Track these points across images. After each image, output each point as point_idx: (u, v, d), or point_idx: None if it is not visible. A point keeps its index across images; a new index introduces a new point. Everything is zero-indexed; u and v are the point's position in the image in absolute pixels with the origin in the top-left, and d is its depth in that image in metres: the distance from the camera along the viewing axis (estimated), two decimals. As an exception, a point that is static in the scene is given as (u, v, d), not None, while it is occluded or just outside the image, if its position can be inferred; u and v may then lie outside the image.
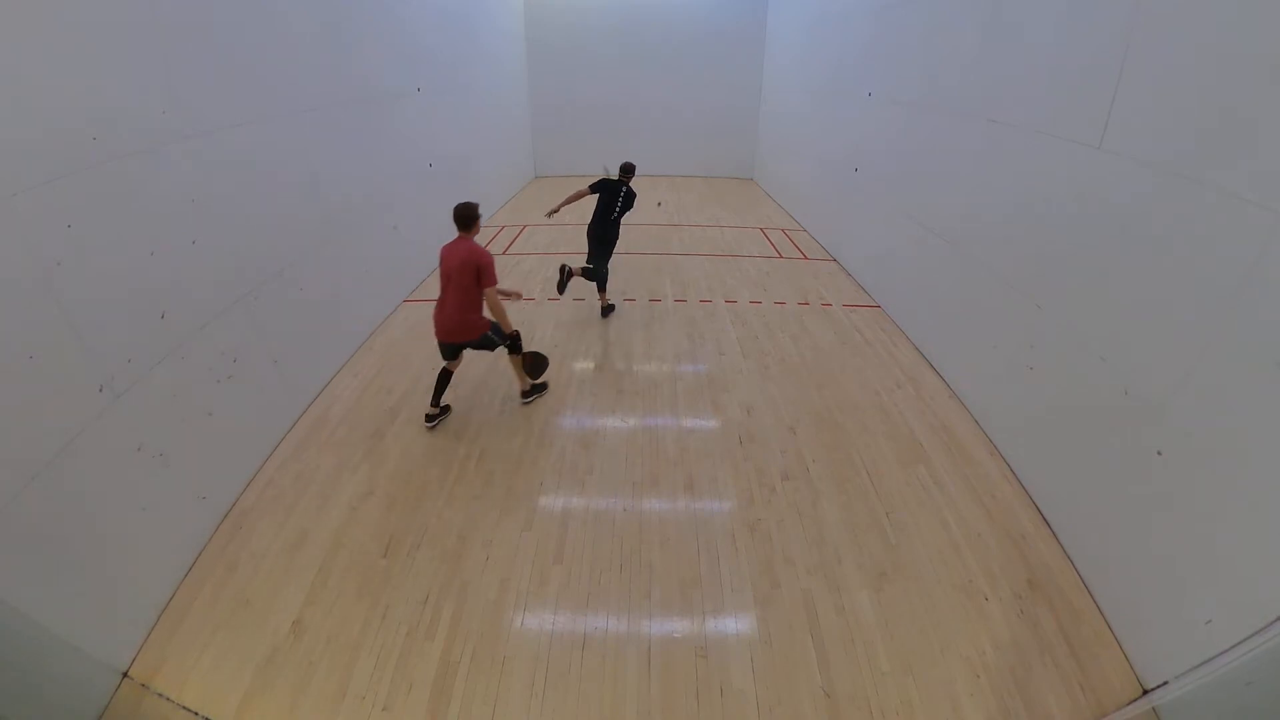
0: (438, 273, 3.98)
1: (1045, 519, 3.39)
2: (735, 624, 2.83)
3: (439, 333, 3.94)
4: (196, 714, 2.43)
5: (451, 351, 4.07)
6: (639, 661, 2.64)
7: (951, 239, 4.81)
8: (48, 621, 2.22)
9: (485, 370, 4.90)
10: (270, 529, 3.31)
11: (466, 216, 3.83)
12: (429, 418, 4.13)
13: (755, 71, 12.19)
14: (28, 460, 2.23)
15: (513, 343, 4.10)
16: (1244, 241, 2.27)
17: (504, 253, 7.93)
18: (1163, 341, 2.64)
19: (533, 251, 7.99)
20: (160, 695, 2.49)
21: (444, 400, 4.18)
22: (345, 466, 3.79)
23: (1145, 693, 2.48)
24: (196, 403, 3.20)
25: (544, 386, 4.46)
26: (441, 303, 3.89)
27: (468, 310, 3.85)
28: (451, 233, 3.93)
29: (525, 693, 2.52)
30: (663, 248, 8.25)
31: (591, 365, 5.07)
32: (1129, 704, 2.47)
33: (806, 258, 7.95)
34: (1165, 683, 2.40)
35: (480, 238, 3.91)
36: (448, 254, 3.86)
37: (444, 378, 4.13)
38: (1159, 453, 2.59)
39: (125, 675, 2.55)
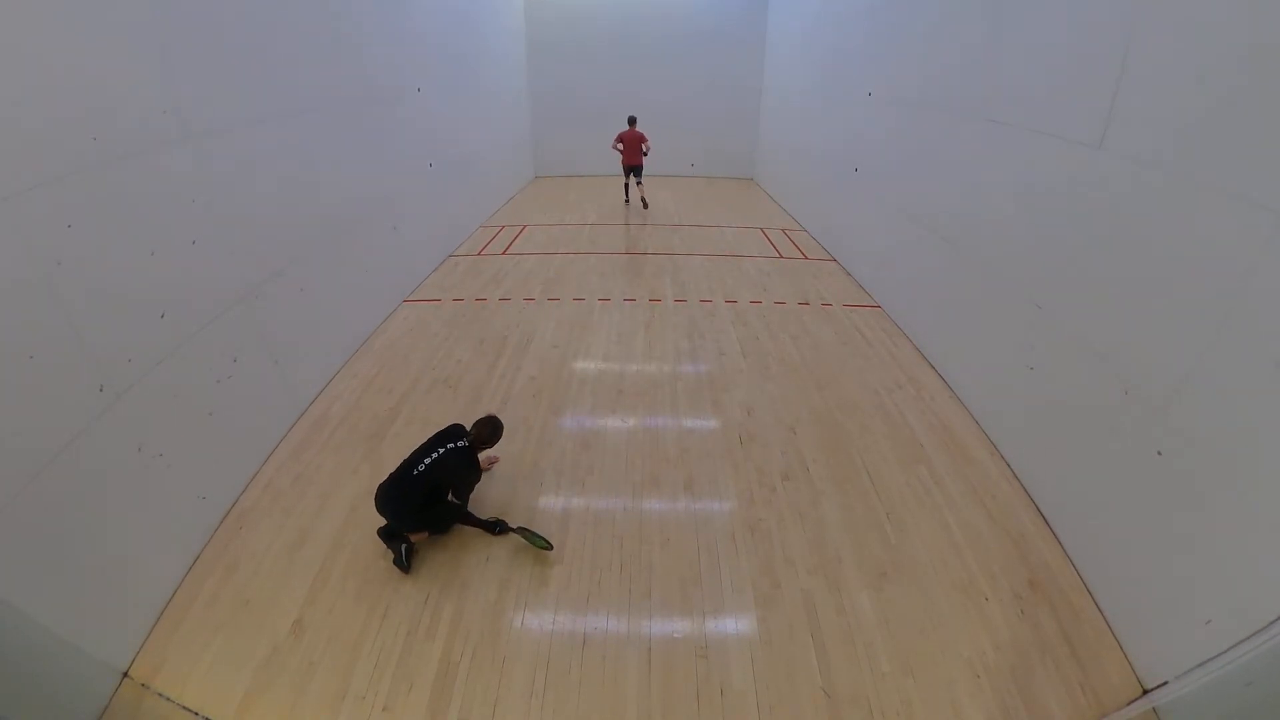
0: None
1: (1045, 519, 3.39)
2: (735, 624, 2.83)
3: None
4: (196, 714, 2.44)
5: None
6: (639, 662, 2.65)
7: (951, 239, 4.81)
8: (48, 621, 2.23)
9: (484, 372, 4.90)
10: (270, 529, 3.31)
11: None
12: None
13: (755, 72, 12.18)
14: (28, 460, 2.23)
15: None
16: (1244, 241, 2.27)
17: (504, 253, 7.94)
18: (1163, 341, 2.64)
19: (533, 251, 7.99)
20: (160, 695, 2.49)
21: None
22: (345, 467, 3.79)
23: (1145, 693, 2.48)
24: (196, 403, 3.20)
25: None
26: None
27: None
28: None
29: (525, 693, 2.52)
30: (663, 248, 8.25)
31: (592, 365, 5.07)
32: (1129, 704, 2.47)
33: (806, 258, 7.95)
34: (1165, 683, 2.40)
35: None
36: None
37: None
38: (1159, 453, 2.59)
39: (125, 675, 2.55)
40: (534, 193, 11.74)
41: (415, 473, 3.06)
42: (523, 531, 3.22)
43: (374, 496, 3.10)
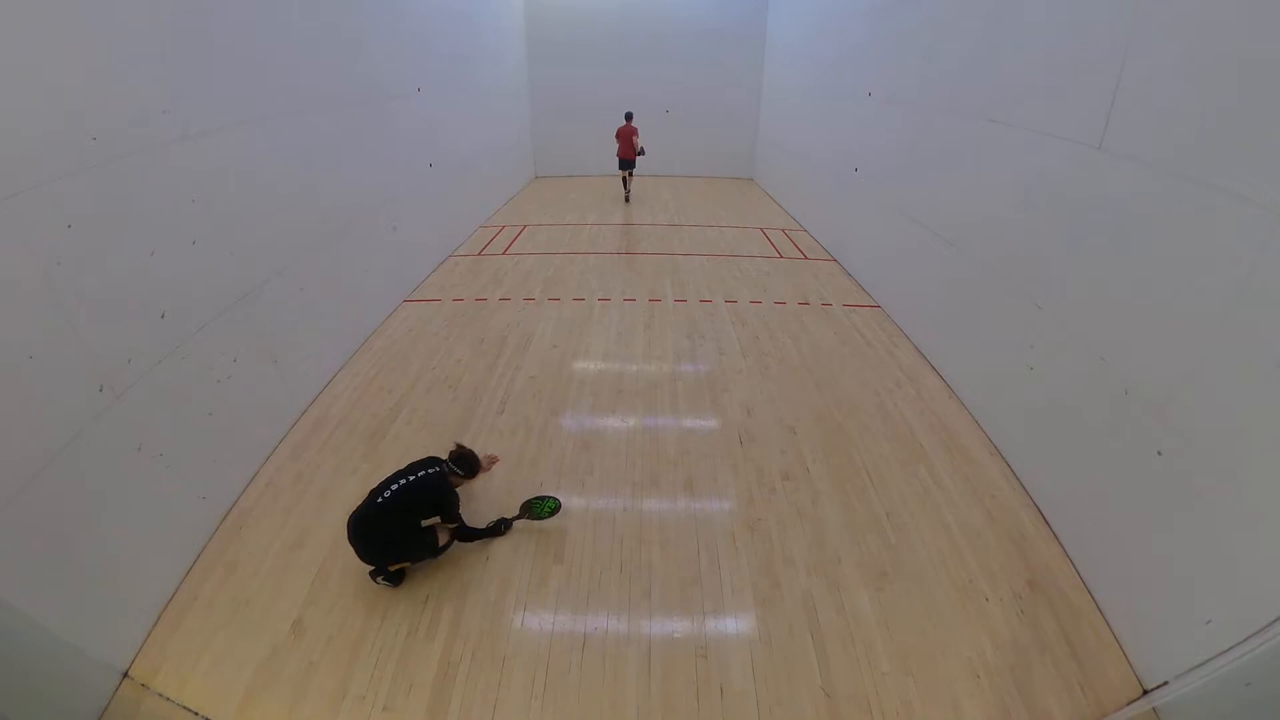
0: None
1: (1045, 519, 3.39)
2: (735, 624, 2.83)
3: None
4: (196, 714, 2.44)
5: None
6: (639, 661, 2.64)
7: (951, 239, 4.81)
8: (48, 621, 2.22)
9: (484, 372, 4.90)
10: (270, 529, 3.31)
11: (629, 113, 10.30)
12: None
13: (755, 71, 12.19)
14: (28, 460, 2.23)
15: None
16: (1244, 241, 2.27)
17: (504, 253, 7.94)
18: (1163, 341, 2.64)
19: (533, 251, 7.99)
20: (160, 695, 2.49)
21: None
22: (345, 467, 3.79)
23: (1145, 693, 2.48)
24: (196, 403, 3.20)
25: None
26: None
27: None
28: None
29: (525, 693, 2.52)
30: (663, 248, 8.26)
31: (591, 365, 5.07)
32: (1129, 704, 2.47)
33: (806, 258, 7.95)
34: (1165, 683, 2.40)
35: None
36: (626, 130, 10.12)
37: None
38: (1159, 453, 2.59)
39: (125, 675, 2.55)
40: (534, 193, 11.74)
41: (380, 500, 2.87)
42: (528, 509, 3.24)
43: (345, 529, 2.90)
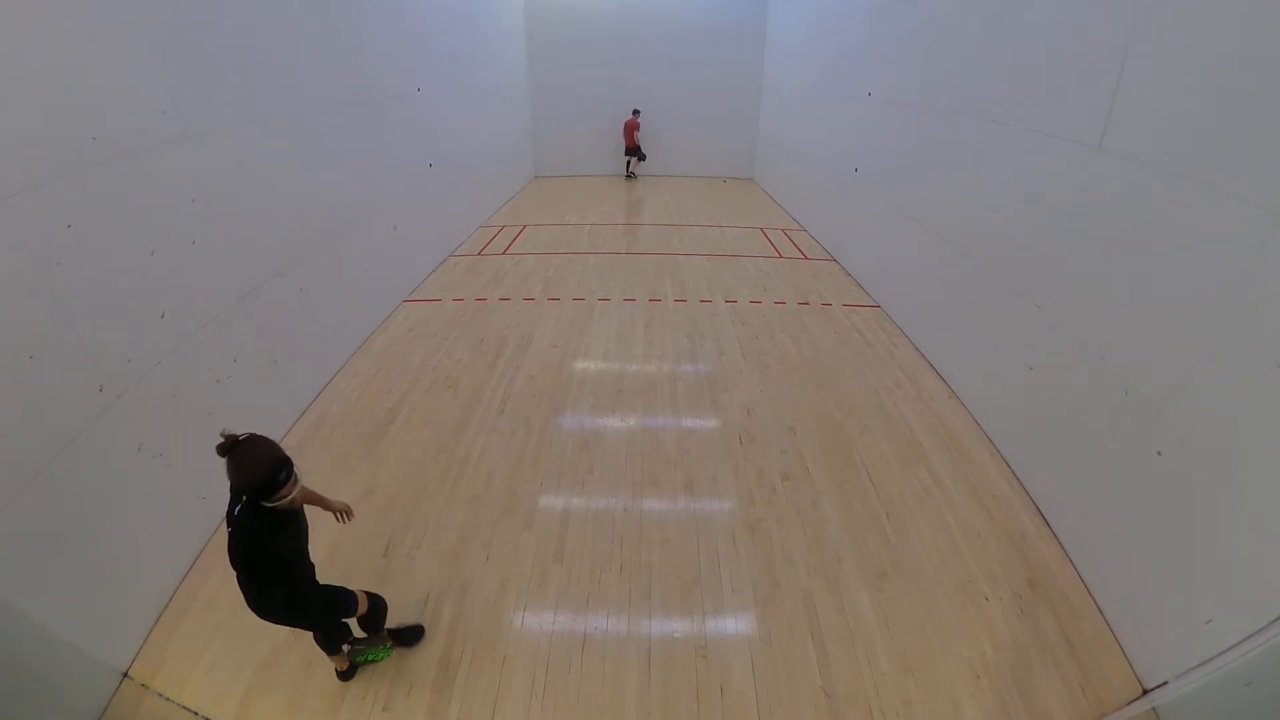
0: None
1: (1045, 519, 3.39)
2: (735, 624, 2.83)
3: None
4: (196, 714, 2.44)
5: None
6: (639, 661, 2.64)
7: (951, 239, 4.81)
8: (48, 621, 2.23)
9: (484, 372, 4.90)
10: (270, 529, 3.30)
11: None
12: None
13: (755, 71, 12.18)
14: (28, 460, 2.23)
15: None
16: (1243, 241, 2.27)
17: (504, 253, 7.94)
18: (1163, 341, 2.64)
19: (532, 251, 7.99)
20: (160, 695, 2.49)
21: None
22: (344, 466, 3.79)
23: (1145, 693, 2.48)
24: (196, 403, 3.19)
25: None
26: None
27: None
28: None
29: (525, 693, 2.52)
30: (663, 248, 8.26)
31: (591, 365, 5.07)
32: (1129, 704, 2.47)
33: (806, 258, 7.95)
34: (1165, 683, 2.40)
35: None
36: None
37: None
38: (1159, 453, 2.59)
39: (125, 675, 2.55)
40: (534, 193, 11.74)
41: (232, 513, 2.05)
42: (358, 651, 2.55)
43: None
